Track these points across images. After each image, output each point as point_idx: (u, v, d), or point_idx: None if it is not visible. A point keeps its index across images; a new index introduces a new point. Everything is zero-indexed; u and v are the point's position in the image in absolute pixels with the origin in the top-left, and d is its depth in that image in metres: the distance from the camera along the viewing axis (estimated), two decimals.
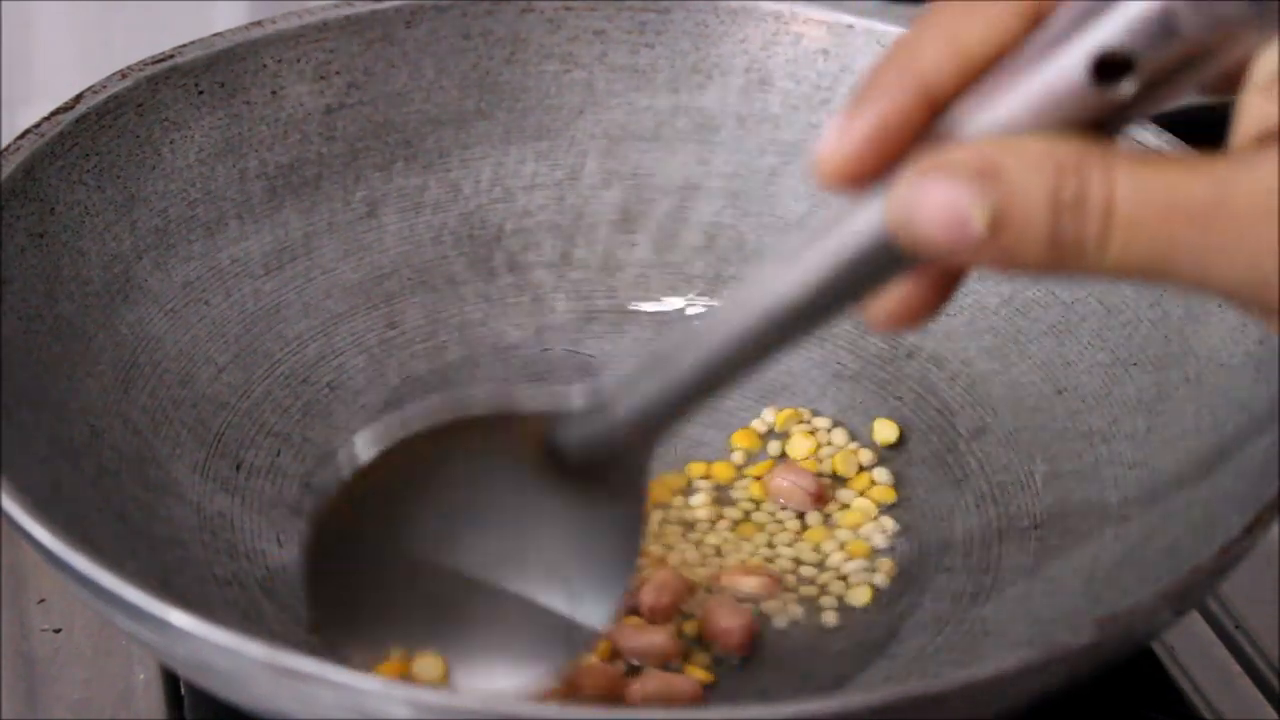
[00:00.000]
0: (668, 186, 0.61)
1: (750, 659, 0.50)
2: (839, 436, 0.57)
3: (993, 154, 0.34)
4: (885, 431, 0.57)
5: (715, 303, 0.60)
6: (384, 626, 0.45)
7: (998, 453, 0.55)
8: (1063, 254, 0.34)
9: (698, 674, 0.49)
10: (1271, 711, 0.53)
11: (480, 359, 0.59)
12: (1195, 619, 0.55)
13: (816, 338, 0.59)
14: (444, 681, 0.45)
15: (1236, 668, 0.54)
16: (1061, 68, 0.35)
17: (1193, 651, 0.54)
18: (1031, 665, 0.41)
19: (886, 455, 0.57)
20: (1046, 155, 0.34)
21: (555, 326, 0.60)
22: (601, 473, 0.44)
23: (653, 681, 0.48)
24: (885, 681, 0.49)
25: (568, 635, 0.45)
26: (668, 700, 0.48)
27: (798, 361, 0.59)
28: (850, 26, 0.60)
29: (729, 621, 0.50)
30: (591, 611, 0.45)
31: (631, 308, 0.61)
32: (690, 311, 0.60)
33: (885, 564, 0.53)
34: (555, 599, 0.45)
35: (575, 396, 0.43)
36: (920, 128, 0.36)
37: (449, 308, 0.60)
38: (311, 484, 0.53)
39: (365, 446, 0.43)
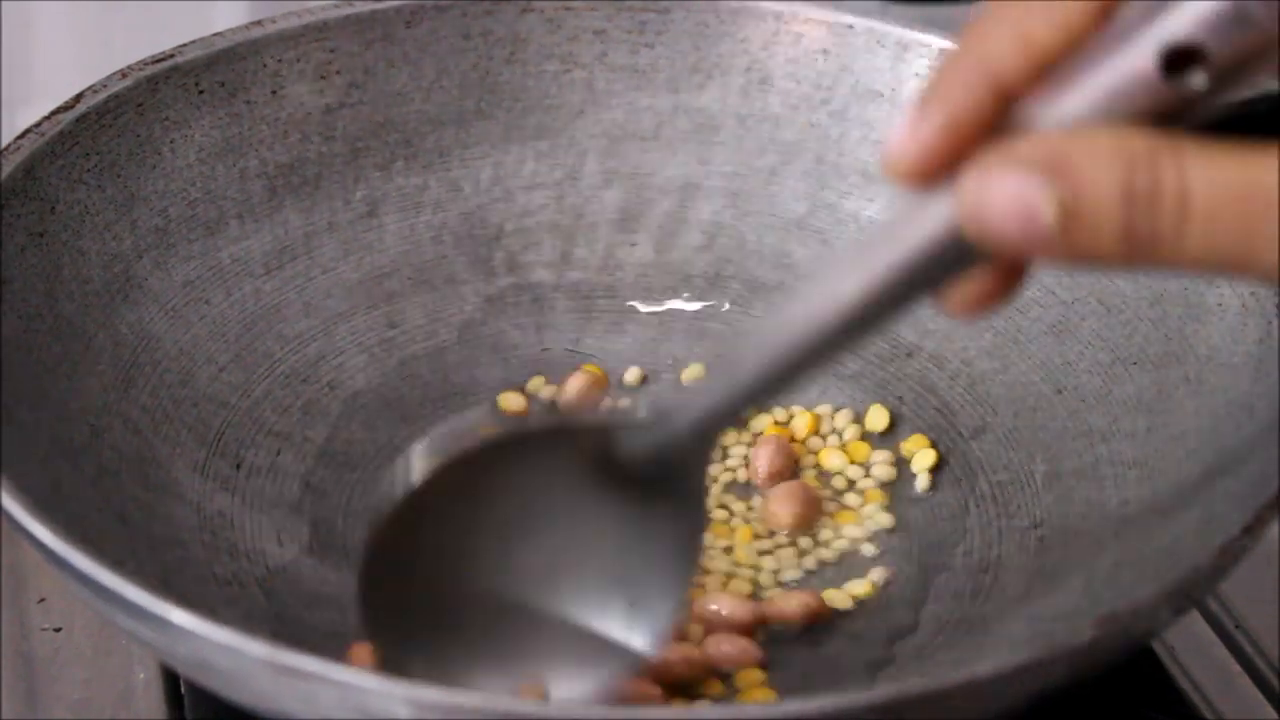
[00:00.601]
0: (668, 186, 0.61)
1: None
2: (834, 441, 0.57)
3: (1061, 146, 0.34)
4: (876, 418, 0.57)
5: (715, 302, 0.60)
6: (442, 641, 0.45)
7: (998, 452, 0.55)
8: (1137, 246, 0.33)
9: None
10: (1271, 711, 0.53)
11: (480, 359, 0.59)
12: (1195, 619, 0.55)
13: None
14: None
15: (1236, 668, 0.54)
16: (1131, 60, 0.35)
17: (1193, 651, 0.54)
18: (1031, 665, 0.41)
19: (886, 454, 0.56)
20: (1116, 147, 0.34)
21: (555, 326, 0.60)
22: (660, 483, 0.44)
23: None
24: (885, 681, 0.49)
25: (623, 652, 0.45)
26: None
27: None
28: (850, 26, 0.60)
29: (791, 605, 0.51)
30: (648, 624, 0.45)
31: (631, 307, 0.61)
32: (689, 311, 0.60)
33: (885, 564, 0.53)
34: (613, 612, 0.45)
35: (636, 410, 0.44)
36: (990, 123, 0.36)
37: (449, 307, 0.60)
38: (371, 508, 0.53)
39: (420, 464, 0.43)
